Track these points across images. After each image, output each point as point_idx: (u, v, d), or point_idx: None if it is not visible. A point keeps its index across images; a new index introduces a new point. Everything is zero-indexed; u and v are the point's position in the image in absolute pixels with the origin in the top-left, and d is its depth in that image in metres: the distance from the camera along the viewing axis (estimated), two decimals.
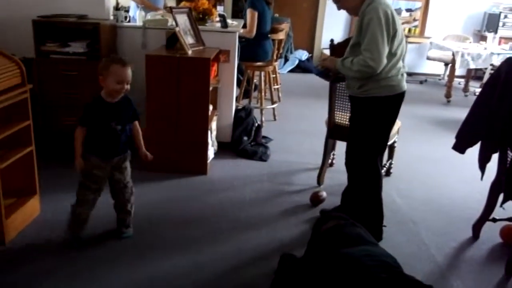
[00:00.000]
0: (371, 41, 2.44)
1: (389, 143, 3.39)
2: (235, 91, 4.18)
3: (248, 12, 4.84)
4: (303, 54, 8.09)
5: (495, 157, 2.80)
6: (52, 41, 3.59)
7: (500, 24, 7.58)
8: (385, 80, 2.56)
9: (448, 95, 6.59)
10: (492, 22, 7.67)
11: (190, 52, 3.46)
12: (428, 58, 7.56)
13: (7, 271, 2.35)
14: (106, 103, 2.45)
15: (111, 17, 3.89)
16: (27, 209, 2.75)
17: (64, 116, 3.61)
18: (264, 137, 4.41)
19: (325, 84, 3.35)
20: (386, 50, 2.47)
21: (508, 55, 5.88)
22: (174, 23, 3.58)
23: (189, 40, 3.61)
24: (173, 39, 3.57)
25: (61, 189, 3.07)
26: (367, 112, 2.66)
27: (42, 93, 3.59)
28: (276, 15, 7.23)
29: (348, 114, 3.09)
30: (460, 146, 2.90)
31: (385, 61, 2.48)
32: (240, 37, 4.25)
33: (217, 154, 3.94)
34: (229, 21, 4.29)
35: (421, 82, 7.73)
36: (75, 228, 2.58)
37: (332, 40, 3.06)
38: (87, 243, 2.60)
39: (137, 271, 2.41)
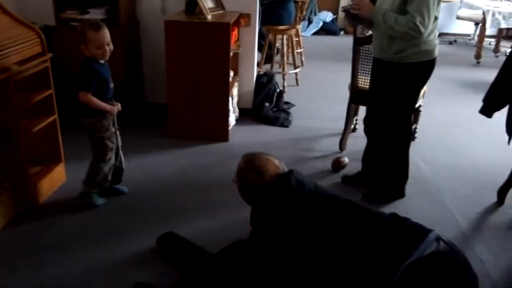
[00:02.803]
0: (423, 4, 2.32)
1: None
2: (256, 56, 4.12)
3: None
4: (328, 16, 7.88)
5: None
6: (71, 8, 3.58)
7: None
8: (425, 44, 2.47)
9: (478, 56, 6.36)
10: None
11: (209, 17, 3.41)
12: (458, 18, 7.25)
13: (38, 233, 2.44)
14: (101, 64, 2.48)
15: None
16: (54, 176, 2.82)
17: None
18: (286, 102, 4.36)
19: (350, 47, 3.26)
20: (434, 15, 2.38)
21: None
22: None
23: (208, 4, 3.55)
24: (192, 3, 3.51)
25: (85, 157, 3.11)
26: (401, 78, 2.56)
27: (65, 61, 3.60)
28: None
29: None
30: (488, 110, 2.81)
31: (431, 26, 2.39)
32: (261, 0, 4.16)
33: (238, 120, 3.93)
34: None
35: (450, 43, 7.47)
36: (98, 186, 2.68)
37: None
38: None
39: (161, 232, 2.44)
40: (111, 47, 2.46)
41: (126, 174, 2.88)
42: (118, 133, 2.71)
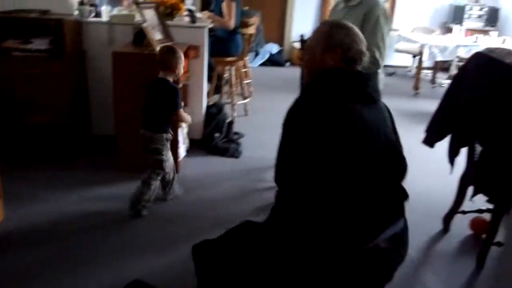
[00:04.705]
0: (380, 38, 2.39)
1: None
2: (205, 87, 4.12)
3: (225, 3, 4.69)
4: (274, 47, 8.06)
5: (464, 150, 2.83)
6: (13, 38, 3.46)
7: (466, 16, 7.72)
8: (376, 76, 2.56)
9: (416, 87, 6.67)
10: (458, 14, 7.79)
11: (158, 48, 3.38)
12: (397, 50, 7.62)
13: None
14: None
15: (76, 12, 3.76)
16: None
17: (28, 115, 3.49)
18: (236, 133, 4.37)
19: (297, 77, 3.33)
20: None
21: (474, 48, 6.01)
22: (141, 18, 3.48)
23: (157, 36, 3.53)
24: (140, 35, 3.48)
25: (25, 191, 2.97)
26: None
27: (4, 92, 3.44)
28: (246, 8, 7.16)
29: None
30: (430, 140, 2.92)
31: None
32: (209, 32, 4.19)
33: (188, 151, 3.89)
34: (199, 15, 4.22)
35: (389, 74, 7.79)
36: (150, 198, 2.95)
37: (302, 35, 3.04)
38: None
39: (111, 273, 2.38)
40: None
41: (68, 209, 2.76)
42: None
